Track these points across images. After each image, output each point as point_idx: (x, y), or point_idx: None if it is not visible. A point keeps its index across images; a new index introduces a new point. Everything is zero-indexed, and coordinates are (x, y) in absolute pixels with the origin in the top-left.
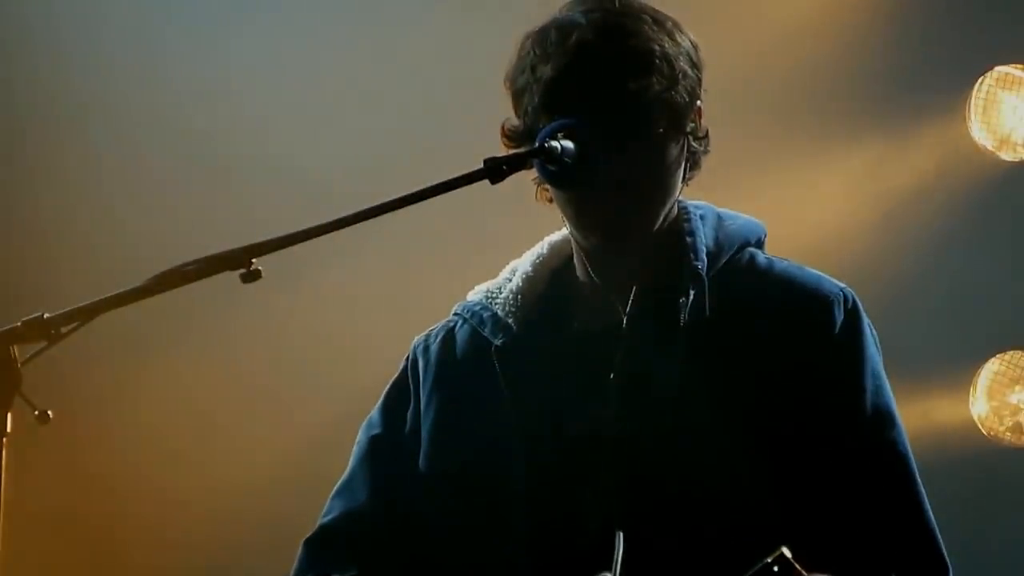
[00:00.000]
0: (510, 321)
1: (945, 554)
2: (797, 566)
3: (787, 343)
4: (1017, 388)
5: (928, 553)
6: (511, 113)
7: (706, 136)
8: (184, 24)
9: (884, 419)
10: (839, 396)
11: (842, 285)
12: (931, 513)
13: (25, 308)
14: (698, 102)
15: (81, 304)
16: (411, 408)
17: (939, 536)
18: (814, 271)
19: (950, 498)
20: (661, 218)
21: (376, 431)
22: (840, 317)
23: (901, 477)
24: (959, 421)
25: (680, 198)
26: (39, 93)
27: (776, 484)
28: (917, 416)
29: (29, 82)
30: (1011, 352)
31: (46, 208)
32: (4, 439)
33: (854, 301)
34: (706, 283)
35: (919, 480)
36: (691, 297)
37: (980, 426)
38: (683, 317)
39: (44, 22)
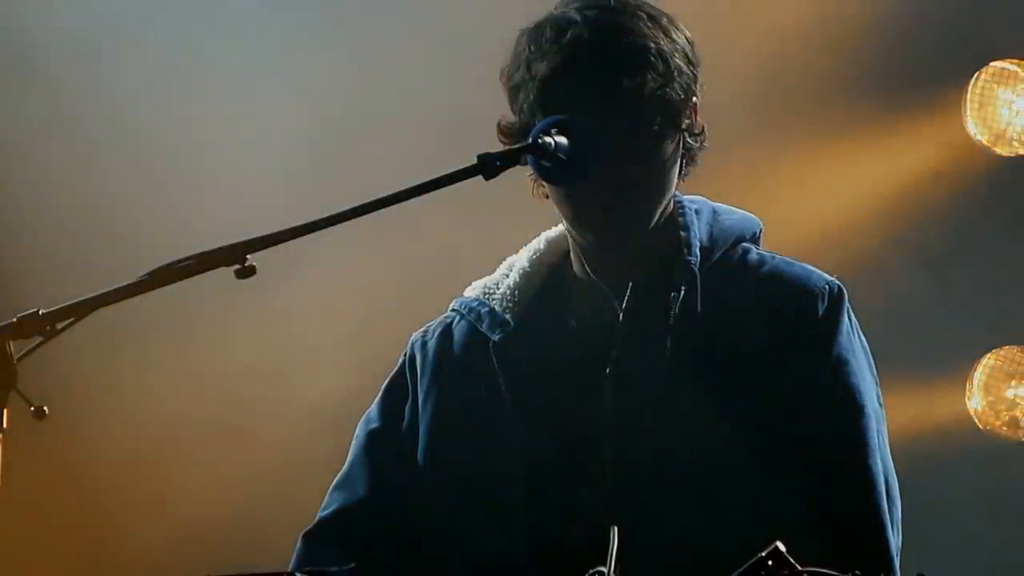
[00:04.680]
0: (507, 317)
1: (890, 543)
2: (791, 560)
3: (771, 338)
4: (1013, 383)
5: (870, 541)
6: (507, 109)
7: (702, 132)
8: (175, 26)
9: (845, 406)
10: (799, 384)
11: (830, 279)
12: (883, 502)
13: (19, 304)
14: (694, 99)
15: (76, 300)
16: (409, 403)
17: (887, 525)
18: (804, 266)
19: (947, 492)
20: (657, 215)
21: (374, 426)
22: (822, 310)
23: (855, 464)
24: (955, 416)
25: (676, 193)
26: (27, 92)
27: (763, 474)
28: (914, 411)
29: (16, 81)
30: (1007, 348)
31: (37, 206)
32: (0, 435)
33: (839, 293)
34: (698, 278)
35: (877, 467)
36: (681, 293)
37: (976, 421)
38: (673, 313)
39: (36, 21)
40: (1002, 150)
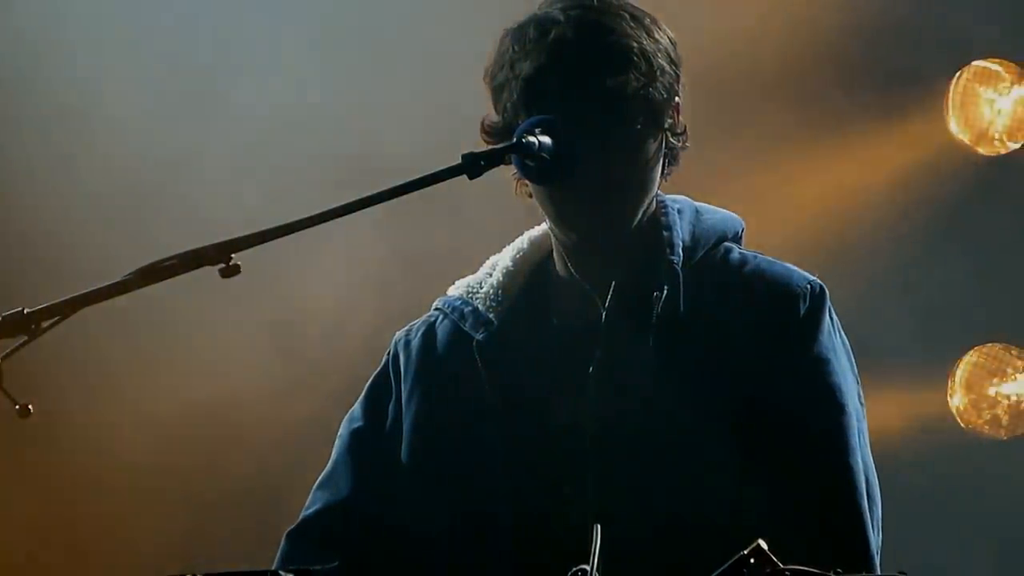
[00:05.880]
0: (491, 316)
1: (870, 541)
2: (773, 558)
3: (753, 337)
4: (995, 380)
5: (850, 539)
6: (490, 109)
7: (684, 132)
8: (163, 24)
9: (826, 404)
10: (780, 383)
11: (811, 278)
12: (863, 500)
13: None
14: (676, 98)
15: (61, 299)
16: (392, 402)
17: (867, 523)
18: (786, 265)
19: (929, 490)
20: (640, 214)
21: (358, 424)
22: (803, 309)
23: (835, 462)
24: (938, 414)
25: (659, 192)
26: (9, 94)
27: (744, 474)
28: (896, 408)
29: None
30: (989, 345)
31: (20, 206)
32: None
33: (821, 292)
34: (681, 278)
35: (857, 466)
36: (664, 292)
37: (958, 418)
38: (656, 312)
39: (19, 24)
40: (984, 149)
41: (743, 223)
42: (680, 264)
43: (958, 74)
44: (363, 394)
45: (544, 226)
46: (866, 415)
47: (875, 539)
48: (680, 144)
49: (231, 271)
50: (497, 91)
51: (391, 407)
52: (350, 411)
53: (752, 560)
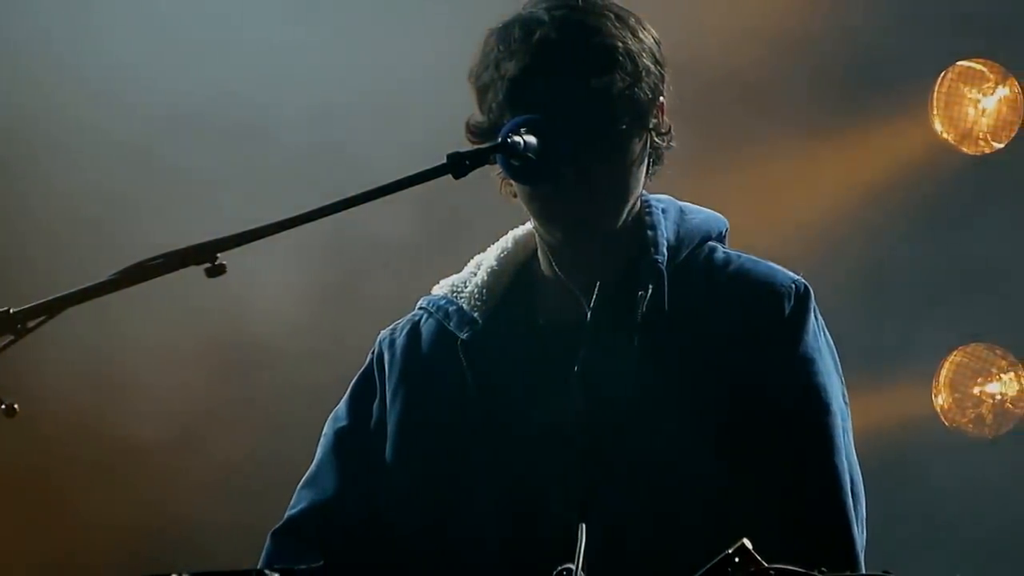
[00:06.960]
0: (476, 315)
1: (855, 540)
2: (757, 557)
3: (738, 337)
4: (979, 380)
5: (835, 538)
6: (475, 109)
7: (669, 132)
8: (168, 25)
9: (811, 404)
10: (765, 382)
11: (795, 277)
12: (848, 499)
13: None
14: (661, 98)
15: (48, 298)
16: (377, 401)
17: (852, 522)
18: (770, 265)
19: (913, 488)
20: (624, 213)
21: (342, 424)
22: (788, 309)
23: (820, 462)
24: (922, 413)
25: (643, 192)
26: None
27: (729, 473)
28: (881, 408)
29: None
30: (973, 345)
31: (10, 205)
32: None
33: (805, 291)
34: (665, 277)
35: (842, 465)
36: (649, 292)
37: (943, 418)
38: (640, 311)
39: (26, 26)
40: (969, 149)
41: (727, 223)
42: (664, 263)
43: (942, 74)
44: (347, 393)
45: (529, 225)
46: (851, 414)
47: (860, 538)
48: (665, 144)
49: (217, 271)
50: (482, 91)
51: (375, 406)
52: (334, 410)
53: (737, 559)
